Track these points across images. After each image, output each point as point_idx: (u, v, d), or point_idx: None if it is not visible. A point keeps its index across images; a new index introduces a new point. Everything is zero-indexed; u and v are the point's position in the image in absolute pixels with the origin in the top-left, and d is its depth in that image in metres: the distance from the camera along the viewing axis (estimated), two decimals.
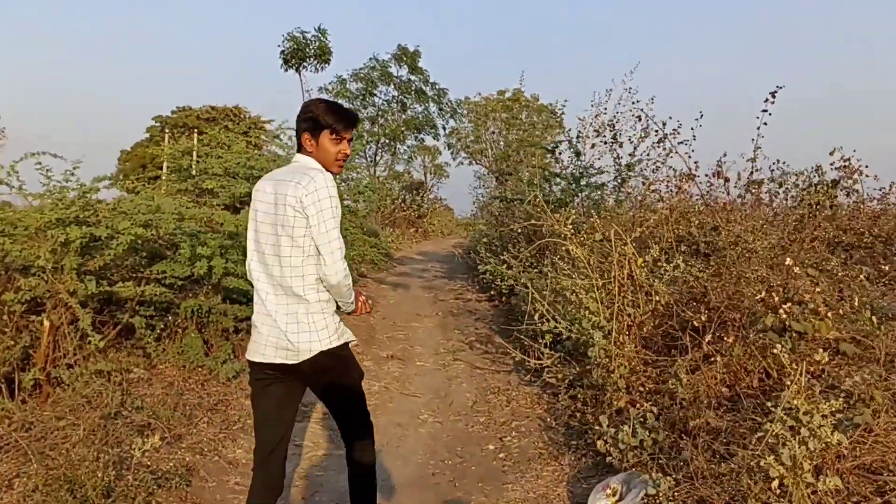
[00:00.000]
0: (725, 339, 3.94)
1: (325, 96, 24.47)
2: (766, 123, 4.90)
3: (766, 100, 4.82)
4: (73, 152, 4.78)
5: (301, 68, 15.93)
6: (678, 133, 5.12)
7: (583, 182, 8.11)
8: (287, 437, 2.59)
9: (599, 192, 8.11)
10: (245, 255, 2.63)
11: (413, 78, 24.21)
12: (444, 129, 26.05)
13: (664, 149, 7.28)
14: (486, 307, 9.25)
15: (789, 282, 3.78)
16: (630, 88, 9.09)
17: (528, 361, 5.18)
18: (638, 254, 4.50)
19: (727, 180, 5.01)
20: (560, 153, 8.51)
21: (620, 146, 8.71)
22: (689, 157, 5.12)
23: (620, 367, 4.30)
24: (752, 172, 4.93)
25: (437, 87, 24.75)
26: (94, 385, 4.33)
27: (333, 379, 2.52)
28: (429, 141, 25.75)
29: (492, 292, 9.40)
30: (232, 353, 5.32)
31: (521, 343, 6.70)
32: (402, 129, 23.39)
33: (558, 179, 8.10)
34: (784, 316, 3.62)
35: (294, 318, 2.38)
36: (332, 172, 2.44)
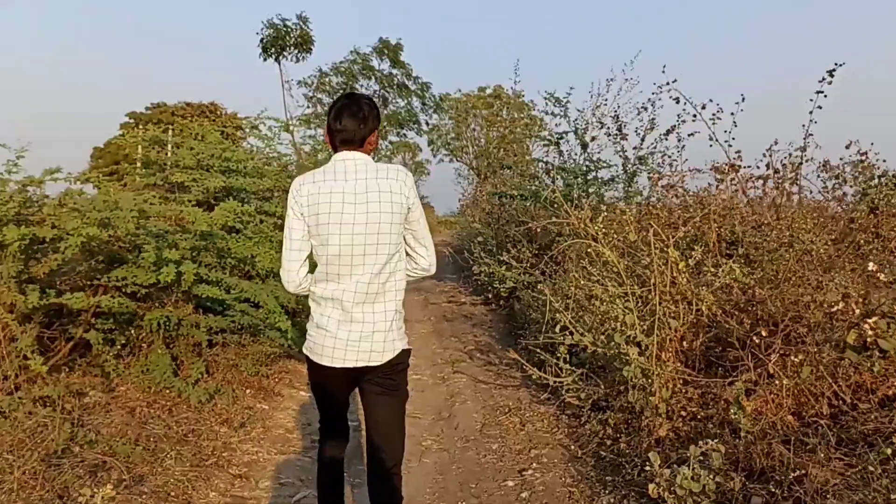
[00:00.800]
0: (792, 357, 3.34)
1: (304, 91, 23.78)
2: (820, 107, 4.32)
3: (823, 79, 4.25)
4: (42, 149, 4.10)
5: (281, 57, 15.12)
6: (718, 119, 4.54)
7: (590, 177, 7.52)
8: (347, 407, 2.72)
9: (608, 188, 7.52)
10: (290, 258, 2.44)
11: (395, 72, 23.57)
12: (426, 124, 25.42)
13: (679, 139, 6.70)
14: (483, 311, 8.62)
15: (869, 291, 3.20)
16: (630, 79, 8.56)
17: (547, 379, 4.54)
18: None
19: (777, 171, 4.44)
20: (563, 145, 7.91)
21: (625, 138, 8.13)
22: (730, 145, 4.53)
23: (662, 390, 3.69)
24: (800, 164, 4.37)
25: (419, 80, 24.12)
26: (38, 416, 3.63)
27: (402, 383, 2.53)
28: (412, 136, 25.12)
29: (489, 295, 8.77)
30: (205, 372, 4.62)
31: (529, 354, 6.09)
32: (385, 124, 22.71)
33: (565, 174, 7.50)
34: (870, 332, 3.03)
35: (385, 317, 2.38)
36: None
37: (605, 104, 8.59)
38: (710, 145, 4.57)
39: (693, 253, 3.85)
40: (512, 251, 7.87)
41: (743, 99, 4.42)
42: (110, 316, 4.34)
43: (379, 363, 2.38)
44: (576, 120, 7.72)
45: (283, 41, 14.35)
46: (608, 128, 8.23)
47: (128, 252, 4.36)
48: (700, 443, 2.94)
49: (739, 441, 3.20)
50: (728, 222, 4.26)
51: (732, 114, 4.50)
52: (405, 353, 2.47)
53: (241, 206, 5.45)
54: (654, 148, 7.92)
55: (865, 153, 4.66)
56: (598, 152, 8.41)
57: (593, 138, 8.52)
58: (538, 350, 5.43)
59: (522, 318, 6.72)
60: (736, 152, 4.54)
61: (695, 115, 4.62)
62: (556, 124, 8.83)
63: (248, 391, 4.90)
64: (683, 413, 3.83)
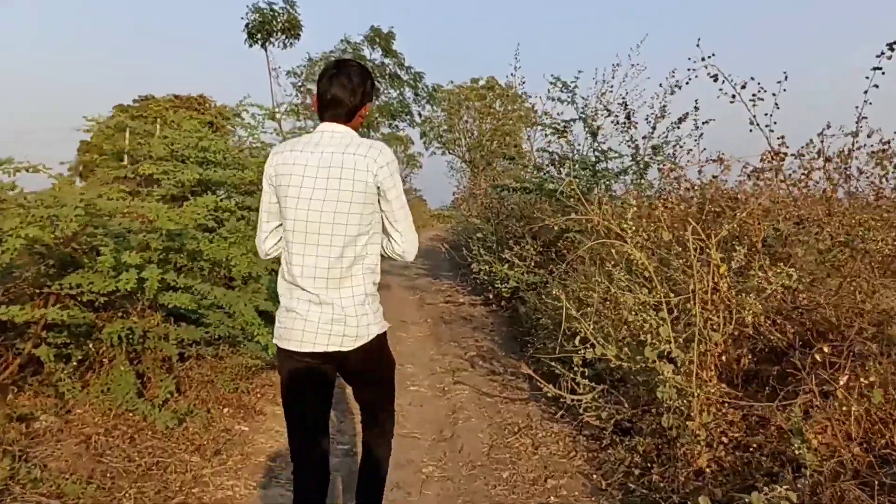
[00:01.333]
0: (861, 378, 2.83)
1: (292, 80, 23.13)
2: (877, 86, 3.79)
3: (882, 53, 3.72)
4: (42, 149, 3.55)
5: (267, 44, 14.45)
6: (759, 100, 4.01)
7: (599, 168, 6.99)
8: (326, 425, 2.49)
9: (617, 180, 7.00)
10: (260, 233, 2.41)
11: (387, 61, 22.98)
12: (419, 115, 24.87)
13: (696, 126, 6.20)
14: (483, 313, 8.09)
15: None
16: (636, 64, 8.04)
17: (563, 397, 4.02)
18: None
19: (829, 160, 3.92)
20: (570, 134, 7.37)
21: (634, 126, 7.61)
22: (771, 130, 4.01)
23: (703, 414, 3.18)
24: (850, 150, 3.85)
25: (412, 70, 23.55)
26: None
27: (380, 363, 2.45)
28: (404, 128, 24.57)
29: (489, 295, 8.25)
30: (176, 390, 4.07)
31: (537, 363, 5.57)
32: (376, 116, 22.13)
33: (574, 165, 6.96)
34: None
35: (354, 301, 2.24)
36: None
37: (611, 91, 8.09)
38: (751, 130, 4.06)
39: (735, 255, 3.33)
40: (514, 248, 7.35)
41: (786, 77, 3.90)
42: (64, 328, 3.79)
43: (351, 348, 2.25)
44: (584, 107, 7.19)
45: (269, 26, 13.66)
46: (615, 115, 7.72)
47: (84, 255, 3.80)
48: (765, 488, 2.43)
49: (804, 481, 2.69)
50: (772, 218, 3.75)
51: (774, 94, 3.99)
52: (381, 338, 2.35)
53: (219, 201, 4.91)
54: (666, 137, 7.43)
55: None
56: (604, 142, 7.91)
57: (598, 127, 8.00)
58: (549, 361, 4.92)
59: (528, 322, 6.20)
60: (779, 138, 4.03)
61: (734, 96, 4.10)
62: (557, 113, 8.31)
63: (225, 410, 4.35)
64: (725, 440, 3.32)
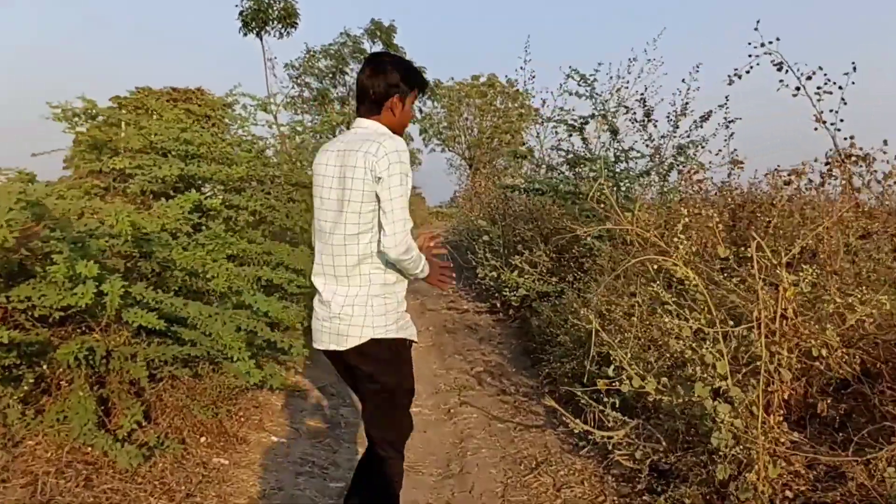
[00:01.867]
0: None
1: (291, 73, 22.54)
2: None
3: None
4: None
5: (263, 33, 13.86)
6: (825, 93, 3.49)
7: (619, 169, 6.46)
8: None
9: (638, 183, 6.48)
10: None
11: None
12: (419, 111, 24.37)
13: (727, 125, 5.69)
14: (490, 322, 7.55)
15: None
16: (653, 59, 7.55)
17: (591, 433, 3.49)
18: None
19: None
20: (587, 133, 6.83)
21: (654, 124, 7.09)
22: (838, 129, 3.49)
23: (769, 467, 2.65)
24: None
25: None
26: None
27: (380, 372, 2.27)
28: None
29: (495, 303, 7.72)
30: (144, 418, 3.53)
31: (552, 383, 5.06)
32: None
33: (596, 165, 6.41)
34: None
35: (351, 300, 2.21)
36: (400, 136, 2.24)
37: (627, 87, 7.57)
38: (816, 129, 3.53)
39: (803, 274, 2.80)
40: (524, 253, 6.82)
41: (854, 69, 3.37)
42: (13, 347, 3.25)
43: (344, 348, 2.23)
44: (606, 101, 6.65)
45: (265, 14, 13.03)
46: (633, 112, 7.20)
47: (36, 262, 3.26)
48: None
49: None
50: (842, 231, 3.23)
51: (841, 88, 3.46)
52: (379, 344, 2.22)
53: (202, 199, 4.38)
54: (689, 135, 6.92)
55: None
56: (623, 140, 7.39)
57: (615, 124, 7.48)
58: (573, 388, 4.41)
59: (541, 336, 5.67)
60: (847, 138, 3.50)
61: (797, 88, 3.57)
62: (570, 109, 7.78)
63: (202, 439, 3.82)
64: (789, 494, 2.81)
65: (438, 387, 5.46)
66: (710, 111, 6.77)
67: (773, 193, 4.77)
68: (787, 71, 3.44)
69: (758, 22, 3.34)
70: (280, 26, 13.64)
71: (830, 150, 3.56)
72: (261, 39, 13.52)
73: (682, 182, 6.59)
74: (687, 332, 2.68)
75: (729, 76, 3.56)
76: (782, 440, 2.65)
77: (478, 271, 7.76)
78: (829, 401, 3.14)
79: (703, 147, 6.90)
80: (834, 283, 2.74)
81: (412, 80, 2.25)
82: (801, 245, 2.70)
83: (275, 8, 13.09)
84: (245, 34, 13.56)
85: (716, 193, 5.92)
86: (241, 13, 13.40)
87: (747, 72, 3.50)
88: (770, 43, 3.33)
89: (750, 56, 3.45)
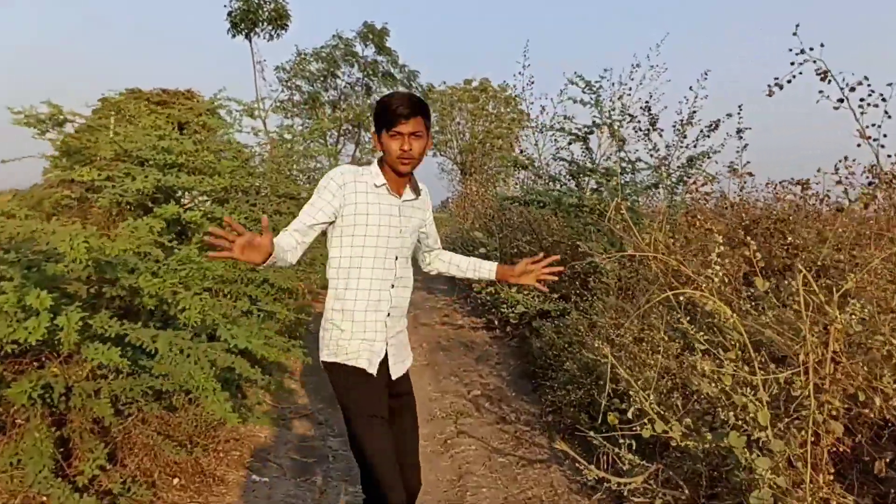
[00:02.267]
0: None
1: (281, 76, 22.15)
2: None
3: None
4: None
5: (252, 34, 13.46)
6: (874, 106, 3.17)
7: (624, 180, 6.15)
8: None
9: (645, 195, 6.17)
10: None
11: (380, 59, 22.11)
12: None
13: (740, 136, 5.39)
14: (486, 339, 7.22)
15: None
16: (656, 65, 7.25)
17: (608, 480, 3.16)
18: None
19: None
20: (590, 142, 6.52)
21: (660, 133, 6.80)
22: (882, 146, 3.19)
23: None
24: None
25: (406, 69, 22.72)
26: None
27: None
28: None
29: (493, 320, 7.39)
30: (108, 461, 3.16)
31: (556, 412, 4.73)
32: (368, 114, 21.25)
33: (598, 177, 6.09)
34: None
35: None
36: (398, 172, 2.30)
37: (630, 94, 7.26)
38: (859, 145, 3.22)
39: (850, 309, 2.49)
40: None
41: None
42: None
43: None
44: (611, 110, 6.33)
45: (254, 15, 12.63)
46: (637, 120, 6.90)
47: None
48: None
49: None
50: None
51: (884, 99, 3.15)
52: (325, 366, 2.36)
53: (181, 212, 4.04)
54: (696, 145, 6.63)
55: None
56: (629, 151, 7.09)
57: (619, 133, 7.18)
58: (574, 410, 4.10)
59: (543, 360, 5.34)
60: (891, 156, 3.19)
61: (840, 100, 3.26)
62: (570, 117, 7.46)
63: (175, 480, 3.46)
64: None
65: (434, 412, 5.12)
66: (719, 120, 6.48)
67: (798, 208, 4.47)
68: (830, 81, 3.13)
69: (797, 26, 3.03)
70: (270, 28, 13.24)
71: (871, 164, 3.26)
72: (249, 41, 13.14)
73: (688, 194, 6.31)
74: (728, 381, 2.35)
75: (769, 86, 3.25)
76: (833, 500, 2.33)
77: (473, 285, 7.42)
78: (887, 460, 2.83)
79: (709, 157, 6.62)
80: (889, 322, 2.42)
81: (377, 118, 2.32)
82: (854, 282, 2.38)
83: (265, 9, 12.67)
84: (234, 35, 13.14)
85: (727, 208, 5.62)
86: (229, 14, 12.94)
87: (789, 81, 3.19)
88: (811, 49, 3.03)
89: (792, 64, 3.14)
